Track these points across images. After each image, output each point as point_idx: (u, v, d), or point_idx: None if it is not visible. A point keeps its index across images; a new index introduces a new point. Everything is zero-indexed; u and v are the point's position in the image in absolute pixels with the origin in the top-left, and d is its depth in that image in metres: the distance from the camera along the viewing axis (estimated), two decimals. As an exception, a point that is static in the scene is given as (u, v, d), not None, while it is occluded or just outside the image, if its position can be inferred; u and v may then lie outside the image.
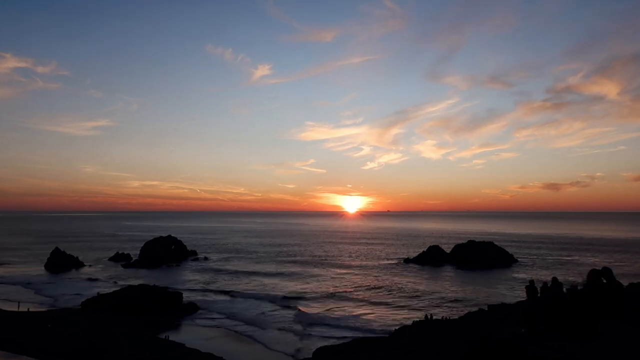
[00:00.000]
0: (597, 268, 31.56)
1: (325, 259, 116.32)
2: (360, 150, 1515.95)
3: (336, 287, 75.07)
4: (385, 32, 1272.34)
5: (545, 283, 33.16)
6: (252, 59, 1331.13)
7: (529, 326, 26.22)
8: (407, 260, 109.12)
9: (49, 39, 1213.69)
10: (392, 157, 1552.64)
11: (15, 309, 52.46)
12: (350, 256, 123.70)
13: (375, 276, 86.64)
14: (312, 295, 67.92)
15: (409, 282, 79.65)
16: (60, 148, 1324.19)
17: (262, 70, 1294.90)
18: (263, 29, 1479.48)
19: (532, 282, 33.96)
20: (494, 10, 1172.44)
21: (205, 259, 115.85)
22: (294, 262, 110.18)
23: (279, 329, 49.25)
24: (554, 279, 33.44)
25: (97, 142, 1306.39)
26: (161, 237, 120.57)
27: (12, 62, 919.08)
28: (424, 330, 34.33)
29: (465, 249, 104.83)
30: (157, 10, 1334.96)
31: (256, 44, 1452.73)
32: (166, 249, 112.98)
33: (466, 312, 46.02)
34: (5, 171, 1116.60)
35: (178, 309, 56.93)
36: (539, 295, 31.43)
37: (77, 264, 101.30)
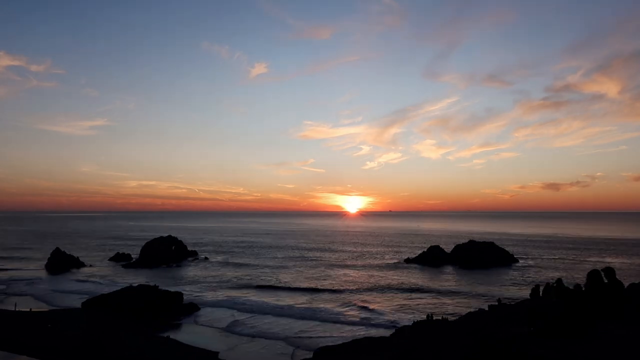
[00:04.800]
0: (598, 268, 31.55)
1: (326, 259, 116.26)
2: (359, 149, 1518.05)
3: (337, 286, 75.01)
4: (382, 29, 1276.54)
5: (547, 284, 33.17)
6: (249, 57, 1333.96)
7: (531, 326, 26.18)
8: (407, 260, 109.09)
9: (43, 36, 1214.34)
10: (391, 157, 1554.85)
11: (13, 309, 52.48)
12: (351, 256, 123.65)
13: (376, 276, 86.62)
14: (313, 295, 67.92)
15: (410, 282, 79.61)
16: (57, 148, 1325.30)
17: (259, 69, 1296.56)
18: (259, 26, 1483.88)
19: (537, 286, 33.99)
20: (492, 6, 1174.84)
21: (206, 259, 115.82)
22: (295, 262, 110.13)
23: (280, 328, 49.21)
24: (558, 280, 33.46)
25: (94, 142, 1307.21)
26: (161, 237, 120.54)
27: (5, 60, 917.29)
28: (424, 330, 34.29)
29: (466, 249, 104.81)
30: (153, 7, 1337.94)
31: (252, 41, 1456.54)
32: (166, 249, 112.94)
33: (466, 312, 46.01)
34: (2, 171, 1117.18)
35: (178, 308, 56.91)
36: (541, 295, 31.46)
37: (78, 264, 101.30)
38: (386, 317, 53.91)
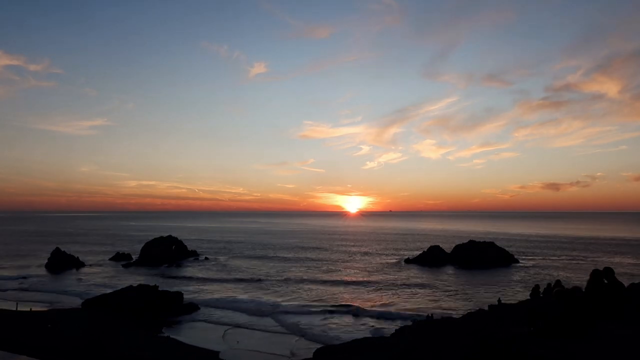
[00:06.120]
0: (599, 268, 31.51)
1: (326, 259, 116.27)
2: (359, 149, 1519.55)
3: (336, 287, 75.05)
4: (381, 28, 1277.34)
5: (548, 284, 33.14)
6: (248, 56, 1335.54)
7: (531, 326, 26.15)
8: (407, 261, 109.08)
9: (41, 36, 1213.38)
10: (391, 157, 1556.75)
11: (14, 309, 52.48)
12: (351, 256, 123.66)
13: (376, 276, 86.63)
14: (312, 295, 67.92)
15: (410, 282, 79.63)
16: (56, 148, 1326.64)
17: (258, 68, 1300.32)
18: (258, 25, 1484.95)
19: (537, 286, 33.98)
20: (492, 5, 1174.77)
21: (206, 259, 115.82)
22: (295, 261, 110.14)
23: (279, 329, 49.24)
24: (557, 281, 33.43)
25: (94, 142, 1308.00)
26: (162, 237, 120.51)
27: (3, 60, 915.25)
28: (424, 330, 34.30)
29: (466, 249, 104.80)
30: (152, 7, 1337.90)
31: (252, 41, 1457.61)
32: (167, 249, 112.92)
33: (466, 312, 46.02)
34: (2, 171, 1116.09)
35: (179, 308, 56.92)
36: (541, 295, 31.42)
37: (78, 264, 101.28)
38: (385, 318, 53.90)
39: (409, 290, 71.76)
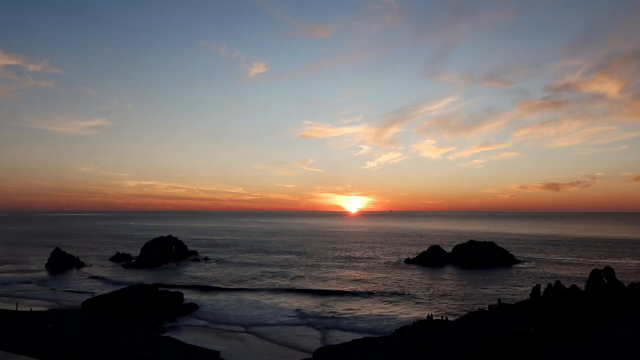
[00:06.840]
0: (599, 268, 31.54)
1: (327, 259, 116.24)
2: (359, 149, 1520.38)
3: (337, 287, 75.00)
4: (381, 28, 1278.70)
5: (549, 284, 33.17)
6: (247, 56, 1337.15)
7: (531, 326, 26.17)
8: (407, 261, 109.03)
9: (40, 35, 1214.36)
10: (391, 157, 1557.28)
11: (14, 309, 52.48)
12: (351, 256, 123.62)
13: (376, 276, 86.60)
14: (312, 295, 67.93)
15: (410, 282, 79.61)
16: (56, 148, 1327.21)
17: (258, 68, 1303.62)
18: (258, 25, 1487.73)
19: (538, 286, 34.00)
20: (491, 5, 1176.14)
21: (206, 259, 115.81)
22: (295, 262, 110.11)
23: (279, 328, 49.21)
24: (557, 282, 33.46)
25: (93, 142, 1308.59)
26: (162, 237, 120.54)
27: (3, 60, 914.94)
28: (425, 330, 34.32)
29: (466, 249, 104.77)
30: (151, 7, 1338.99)
31: (251, 40, 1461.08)
32: (167, 249, 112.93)
33: (466, 312, 46.02)
34: (2, 171, 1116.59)
35: (178, 308, 56.94)
36: (541, 295, 31.45)
37: (78, 264, 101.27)
38: (386, 318, 53.87)
39: (408, 291, 71.65)
